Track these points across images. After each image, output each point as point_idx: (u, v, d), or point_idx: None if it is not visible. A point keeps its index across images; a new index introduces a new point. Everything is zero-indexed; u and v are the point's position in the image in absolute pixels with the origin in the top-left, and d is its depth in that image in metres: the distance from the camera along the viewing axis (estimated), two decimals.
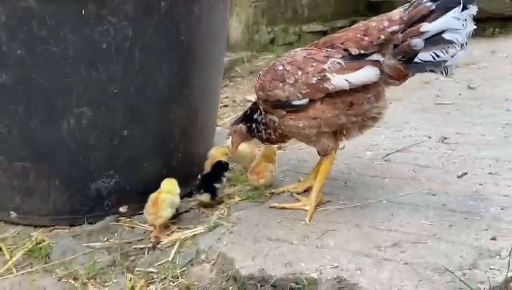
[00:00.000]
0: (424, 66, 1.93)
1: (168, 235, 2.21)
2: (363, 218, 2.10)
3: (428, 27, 1.88)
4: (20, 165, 2.23)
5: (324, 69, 1.96)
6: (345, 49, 1.98)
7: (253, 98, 2.43)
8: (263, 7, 6.66)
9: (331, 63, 1.96)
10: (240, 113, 2.48)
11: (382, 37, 1.93)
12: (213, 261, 1.94)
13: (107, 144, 2.24)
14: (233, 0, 5.09)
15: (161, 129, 2.38)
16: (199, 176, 2.46)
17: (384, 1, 7.25)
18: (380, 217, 2.10)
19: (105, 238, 2.23)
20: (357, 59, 1.95)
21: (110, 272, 2.00)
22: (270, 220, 2.16)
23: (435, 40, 1.89)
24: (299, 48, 2.15)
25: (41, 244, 2.16)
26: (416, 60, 1.92)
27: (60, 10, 2.01)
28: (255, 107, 2.30)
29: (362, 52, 1.95)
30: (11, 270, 2.05)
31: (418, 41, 1.90)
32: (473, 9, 1.87)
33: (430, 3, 1.89)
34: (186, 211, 2.42)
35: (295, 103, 2.03)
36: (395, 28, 1.93)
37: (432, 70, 1.95)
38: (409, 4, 1.96)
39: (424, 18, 1.89)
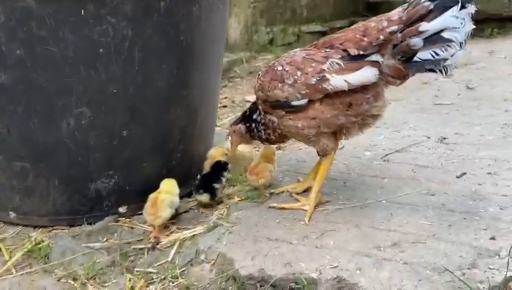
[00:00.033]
0: (423, 65, 1.94)
1: (168, 235, 2.21)
2: (362, 218, 2.11)
3: (427, 26, 1.88)
4: (19, 165, 2.23)
5: (323, 70, 1.97)
6: (344, 50, 1.98)
7: (252, 98, 2.43)
8: (262, 8, 6.65)
9: (330, 64, 1.97)
10: (239, 114, 2.48)
11: (381, 37, 1.93)
12: (212, 262, 1.94)
13: (107, 144, 2.23)
14: (232, 0, 5.08)
15: (160, 129, 2.38)
16: (198, 176, 2.46)
17: (383, 1, 7.28)
18: (379, 217, 2.10)
19: (105, 239, 2.22)
20: (356, 60, 1.96)
21: (109, 273, 2.00)
22: (270, 220, 2.17)
23: (434, 39, 1.89)
24: (298, 49, 2.15)
25: (40, 245, 2.16)
26: (415, 59, 1.93)
27: (59, 10, 2.00)
28: (254, 107, 2.30)
29: (361, 52, 1.95)
30: (10, 270, 2.04)
31: (417, 41, 1.90)
32: (471, 8, 1.87)
33: (429, 2, 1.89)
34: (185, 211, 2.42)
35: (294, 103, 2.03)
36: (394, 28, 1.93)
37: (431, 69, 1.95)
38: (407, 4, 1.96)
39: (422, 17, 1.90)
